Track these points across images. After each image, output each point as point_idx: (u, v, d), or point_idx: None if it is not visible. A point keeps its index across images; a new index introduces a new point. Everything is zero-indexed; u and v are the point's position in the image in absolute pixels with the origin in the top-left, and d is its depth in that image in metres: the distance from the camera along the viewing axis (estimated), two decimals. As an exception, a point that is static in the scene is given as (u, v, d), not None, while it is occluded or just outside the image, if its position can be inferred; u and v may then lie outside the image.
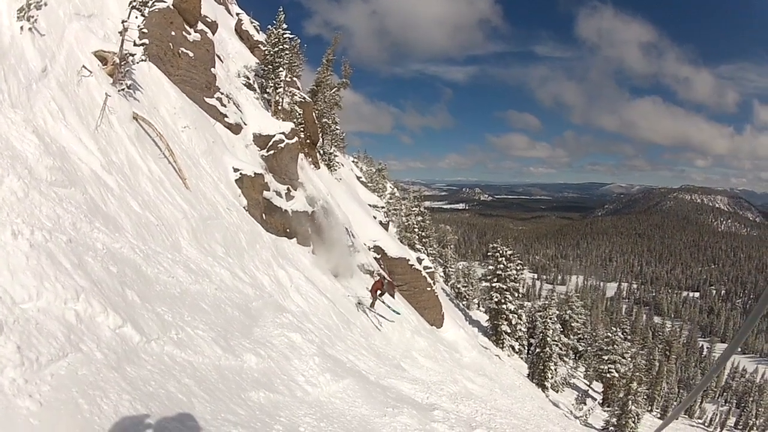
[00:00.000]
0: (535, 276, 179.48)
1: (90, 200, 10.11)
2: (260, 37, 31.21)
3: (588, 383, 49.38)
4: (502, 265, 40.69)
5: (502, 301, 39.81)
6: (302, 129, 28.68)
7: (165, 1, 19.80)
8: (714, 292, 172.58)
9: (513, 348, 40.14)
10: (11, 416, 4.47)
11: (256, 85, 26.74)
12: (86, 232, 9.04)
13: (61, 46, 13.45)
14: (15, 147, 9.01)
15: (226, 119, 22.08)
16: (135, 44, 15.78)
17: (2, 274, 6.04)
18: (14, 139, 9.22)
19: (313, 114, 31.76)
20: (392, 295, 24.39)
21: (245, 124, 23.27)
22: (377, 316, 22.74)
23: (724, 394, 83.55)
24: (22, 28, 11.87)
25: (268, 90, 26.85)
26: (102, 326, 6.98)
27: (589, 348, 54.18)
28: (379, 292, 23.54)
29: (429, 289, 31.65)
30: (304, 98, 30.74)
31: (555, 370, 39.02)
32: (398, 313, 24.10)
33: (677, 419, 59.14)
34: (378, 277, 25.51)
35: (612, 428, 35.28)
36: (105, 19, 17.10)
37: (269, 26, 27.67)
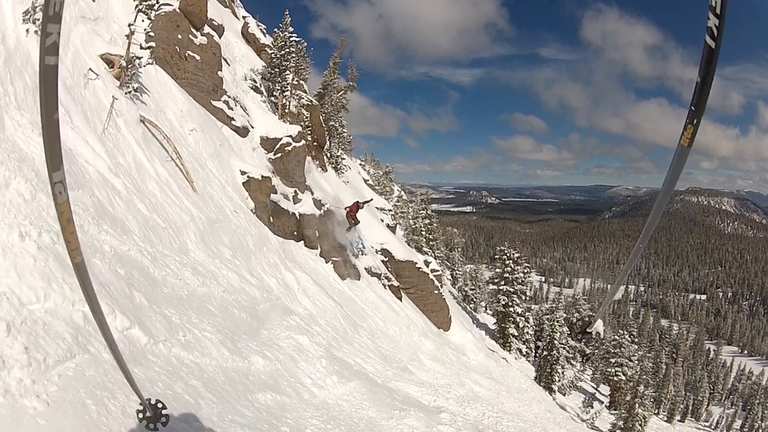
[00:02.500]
0: (543, 279, 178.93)
1: (97, 203, 10.13)
2: (267, 40, 31.28)
3: (595, 386, 49.24)
4: (509, 268, 40.64)
5: (510, 304, 39.73)
6: (309, 132, 28.71)
7: (171, 4, 19.88)
8: (721, 294, 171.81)
9: (520, 351, 40.05)
10: (18, 416, 4.47)
11: (262, 89, 26.78)
12: (94, 234, 9.07)
13: (67, 49, 13.50)
14: (22, 149, 9.04)
15: (233, 122, 22.11)
16: (141, 47, 15.81)
17: (10, 275, 6.05)
18: (21, 141, 9.25)
19: (320, 117, 31.80)
20: (356, 222, 26.26)
21: (252, 127, 23.32)
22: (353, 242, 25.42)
23: (731, 396, 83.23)
24: (27, 30, 11.91)
25: (274, 93, 26.89)
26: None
27: (596, 351, 54.01)
28: (353, 220, 25.85)
29: (436, 292, 31.58)
30: (311, 101, 30.80)
31: (562, 373, 38.91)
32: (363, 247, 26.72)
33: (680, 421, 58.93)
34: (353, 204, 26.60)
35: (619, 431, 35.14)
36: (111, 22, 17.16)
37: (276, 29, 27.75)
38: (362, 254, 26.42)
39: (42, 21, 1.13)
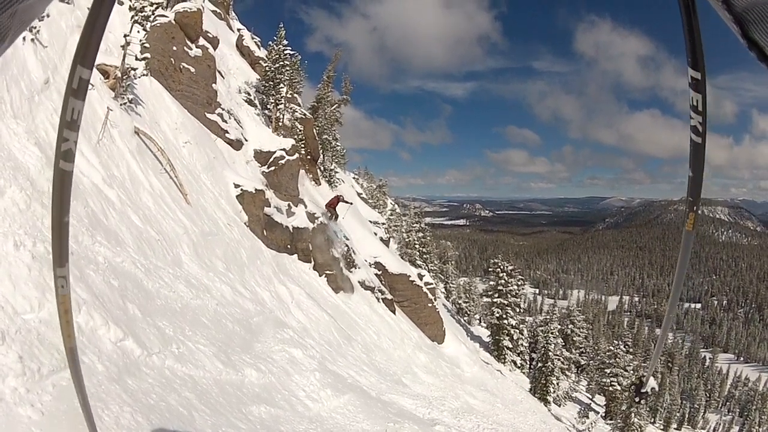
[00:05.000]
0: (537, 291, 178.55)
1: (91, 213, 10.12)
2: (261, 53, 31.38)
3: (590, 397, 49.15)
4: (503, 281, 40.69)
5: (504, 316, 39.73)
6: (303, 145, 28.75)
7: (167, 16, 19.95)
8: (716, 302, 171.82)
9: (515, 363, 40.01)
10: (13, 424, 4.46)
11: (256, 101, 26.83)
12: (88, 245, 9.05)
13: (63, 58, 13.51)
14: (17, 158, 9.04)
15: (227, 135, 22.14)
16: (137, 58, 15.87)
17: (4, 284, 6.04)
18: (16, 150, 9.25)
19: (314, 130, 31.88)
20: (336, 215, 26.55)
21: (246, 140, 23.34)
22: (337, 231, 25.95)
23: (727, 403, 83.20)
24: (24, 38, 11.92)
25: (268, 106, 26.93)
26: (103, 339, 6.98)
27: (591, 362, 53.99)
28: (331, 212, 26.22)
29: (430, 305, 31.54)
30: (304, 114, 30.84)
31: (557, 384, 38.83)
32: (347, 238, 27.14)
33: (677, 429, 58.97)
34: (334, 197, 26.94)
35: (615, 442, 35.10)
36: (107, 33, 17.14)
37: (270, 42, 27.86)
38: (345, 245, 26.42)
39: (59, 125, 1.16)
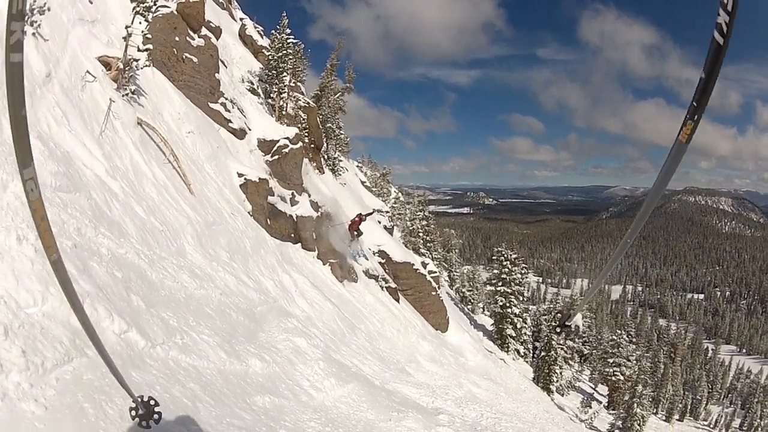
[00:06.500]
0: (540, 280, 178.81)
1: (95, 205, 10.11)
2: (264, 42, 31.22)
3: (593, 386, 49.31)
4: (506, 269, 40.68)
5: (507, 305, 39.78)
6: (306, 134, 28.71)
7: (169, 7, 19.85)
8: (719, 293, 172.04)
9: (518, 352, 40.10)
10: (16, 420, 4.46)
11: (260, 90, 26.76)
12: (91, 237, 9.05)
13: (64, 51, 13.47)
14: (19, 152, 9.01)
15: (230, 124, 22.10)
16: (139, 49, 15.79)
17: (7, 278, 6.03)
18: (19, 144, 9.22)
19: (317, 119, 31.81)
20: (359, 233, 26.36)
21: (249, 129, 23.30)
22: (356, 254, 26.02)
23: (729, 395, 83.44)
24: (25, 32, 11.85)
25: (272, 95, 26.86)
26: (107, 331, 6.98)
27: (594, 351, 54.12)
28: (356, 232, 25.94)
29: (434, 293, 31.59)
30: (308, 103, 30.78)
31: (560, 373, 38.92)
32: (366, 258, 27.16)
33: (679, 420, 59.13)
34: (356, 216, 26.56)
35: (617, 431, 35.19)
36: (108, 24, 17.14)
37: (273, 31, 27.69)
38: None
39: (6, 19, 1.14)
